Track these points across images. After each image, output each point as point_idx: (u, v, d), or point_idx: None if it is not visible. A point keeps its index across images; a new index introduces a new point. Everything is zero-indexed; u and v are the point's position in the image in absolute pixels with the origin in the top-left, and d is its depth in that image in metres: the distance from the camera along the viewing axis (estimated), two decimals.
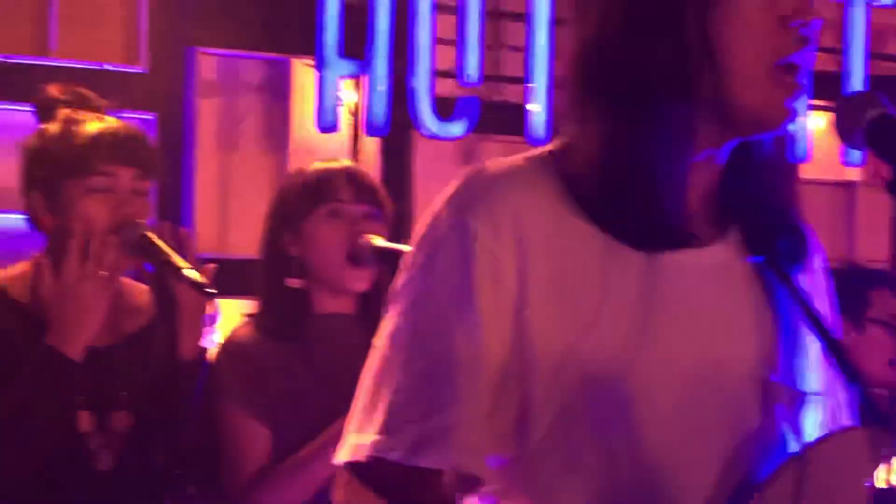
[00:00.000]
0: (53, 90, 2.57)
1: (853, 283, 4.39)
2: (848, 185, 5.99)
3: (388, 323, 1.48)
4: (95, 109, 2.54)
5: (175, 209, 5.33)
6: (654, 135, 1.44)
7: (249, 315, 2.88)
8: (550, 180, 1.45)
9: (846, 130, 1.42)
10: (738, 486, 1.45)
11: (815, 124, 5.50)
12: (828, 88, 5.40)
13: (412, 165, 5.72)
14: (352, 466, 1.47)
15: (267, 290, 2.76)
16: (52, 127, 2.49)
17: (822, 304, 1.60)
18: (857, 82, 5.89)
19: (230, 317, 3.23)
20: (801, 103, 1.46)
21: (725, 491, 1.44)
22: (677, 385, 1.44)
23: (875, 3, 5.83)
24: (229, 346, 2.76)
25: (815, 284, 1.57)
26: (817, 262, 1.60)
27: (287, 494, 2.69)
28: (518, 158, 1.50)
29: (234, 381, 2.68)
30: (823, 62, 5.94)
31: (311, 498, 2.63)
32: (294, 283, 2.75)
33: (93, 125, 2.48)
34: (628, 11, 1.44)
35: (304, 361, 2.72)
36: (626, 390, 1.44)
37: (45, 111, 2.54)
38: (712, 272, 1.50)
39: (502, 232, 1.43)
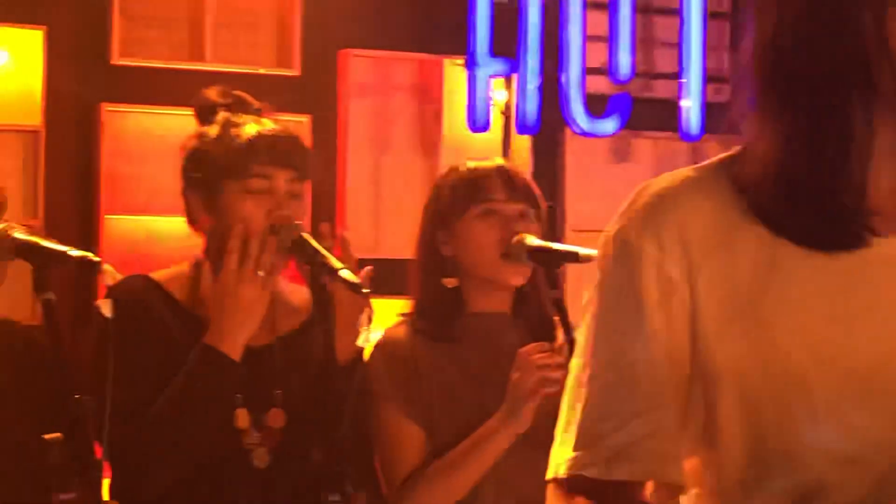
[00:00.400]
0: (212, 94, 2.62)
1: None
2: None
3: (578, 342, 1.54)
4: (253, 112, 2.59)
5: (329, 210, 5.38)
6: (835, 132, 1.42)
7: (404, 315, 2.85)
8: (721, 188, 1.47)
9: None
10: None
11: None
12: None
13: (564, 163, 5.70)
14: (557, 482, 1.50)
15: (421, 289, 2.79)
16: (212, 129, 2.54)
17: None
18: None
19: (384, 317, 3.04)
20: None
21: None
22: (872, 375, 1.43)
23: None
24: (384, 347, 2.78)
25: None
26: None
27: (440, 494, 2.71)
28: (688, 169, 1.53)
29: (388, 382, 2.72)
30: None
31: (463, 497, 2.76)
32: (449, 282, 2.78)
33: (251, 128, 2.53)
34: (808, 11, 1.43)
35: (458, 361, 2.75)
36: (822, 382, 1.41)
37: (204, 115, 2.59)
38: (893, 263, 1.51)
39: (667, 247, 1.45)
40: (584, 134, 5.35)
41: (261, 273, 2.51)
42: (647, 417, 1.45)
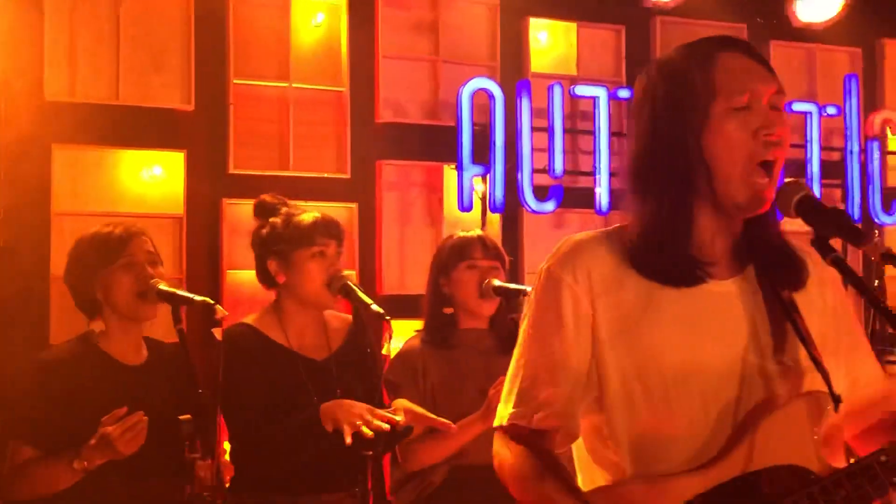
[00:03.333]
0: (267, 197, 3.08)
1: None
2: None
3: (519, 339, 1.92)
4: (294, 206, 3.03)
5: (372, 263, 6.11)
6: (674, 213, 1.83)
7: (417, 331, 3.52)
8: (615, 244, 1.86)
9: (783, 206, 1.75)
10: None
11: None
12: (795, 171, 6.82)
13: (522, 231, 6.39)
14: (499, 430, 1.86)
15: (429, 315, 3.48)
16: (278, 219, 3.01)
17: (816, 303, 1.86)
18: (815, 165, 6.60)
19: (407, 331, 3.56)
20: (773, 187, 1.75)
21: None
22: (707, 371, 1.82)
23: (825, 114, 6.64)
24: (402, 353, 3.44)
25: (808, 292, 1.83)
26: (812, 278, 1.86)
27: (431, 452, 3.22)
28: (596, 231, 1.93)
29: (404, 376, 3.34)
30: (793, 153, 6.41)
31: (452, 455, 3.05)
32: (447, 310, 3.46)
33: (308, 215, 3.02)
34: (653, 136, 1.86)
35: (453, 361, 3.34)
36: (672, 378, 1.82)
37: (261, 211, 3.06)
38: (734, 297, 1.86)
39: (580, 279, 1.84)
40: (534, 212, 6.06)
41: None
42: (560, 389, 1.82)
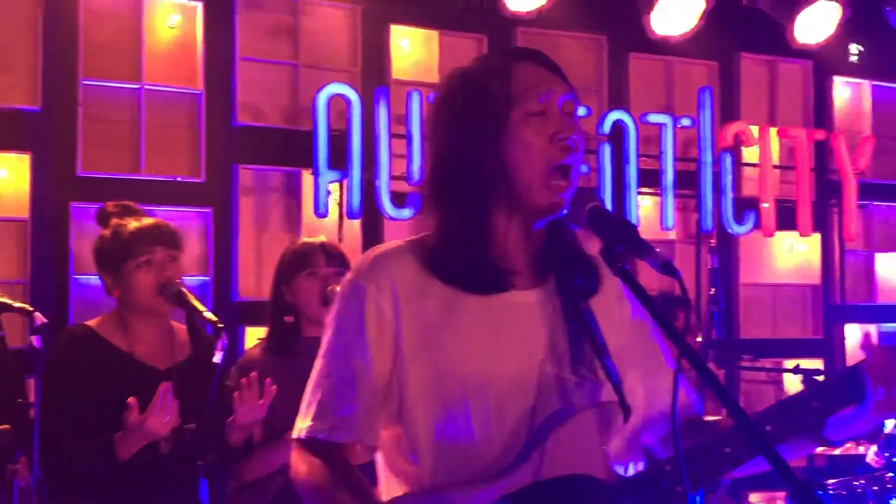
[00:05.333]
0: (109, 207, 3.07)
1: (667, 305, 6.10)
2: (668, 242, 6.84)
3: (321, 350, 1.92)
4: (137, 213, 3.03)
5: (227, 269, 6.13)
6: (474, 221, 1.86)
7: (260, 339, 3.53)
8: (419, 254, 1.87)
9: (575, 216, 1.82)
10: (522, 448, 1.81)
11: (642, 203, 6.58)
12: (651, 181, 7.34)
13: (382, 237, 6.33)
14: (297, 442, 1.88)
15: (271, 322, 3.49)
16: (107, 231, 3.03)
17: (615, 315, 1.90)
18: (669, 176, 6.75)
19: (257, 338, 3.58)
20: (569, 192, 1.82)
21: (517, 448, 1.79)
22: (504, 380, 1.85)
23: (680, 125, 6.84)
24: (243, 361, 3.46)
25: (607, 304, 1.88)
26: (611, 290, 1.90)
27: (274, 461, 3.20)
28: (401, 240, 1.94)
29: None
30: (649, 163, 6.73)
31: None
32: (288, 318, 3.46)
33: (133, 224, 3.01)
34: (452, 144, 1.89)
35: (294, 369, 3.12)
36: (469, 387, 1.85)
37: (103, 220, 3.09)
38: (534, 307, 1.90)
39: (383, 289, 1.85)
40: (391, 218, 6.11)
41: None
42: (361, 401, 1.84)
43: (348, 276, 1.88)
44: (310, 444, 1.85)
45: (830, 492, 4.60)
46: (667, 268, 1.68)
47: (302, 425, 1.86)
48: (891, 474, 4.63)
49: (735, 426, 1.80)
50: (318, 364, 1.88)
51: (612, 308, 1.88)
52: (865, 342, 1.87)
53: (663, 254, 1.70)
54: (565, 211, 1.84)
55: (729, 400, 1.60)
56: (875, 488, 4.58)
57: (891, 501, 4.57)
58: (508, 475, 1.77)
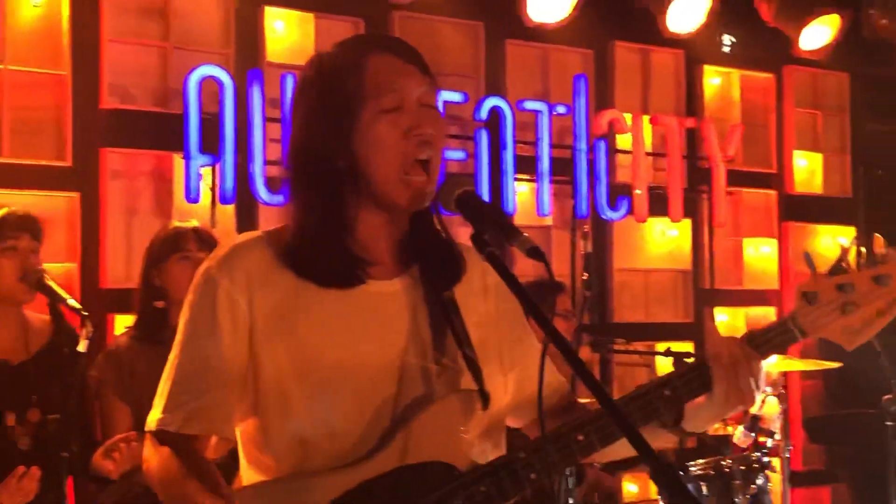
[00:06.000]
0: None
1: (543, 290, 6.24)
2: (544, 228, 6.99)
3: (175, 342, 1.93)
4: None
5: (94, 256, 5.98)
6: (329, 210, 1.85)
7: (128, 326, 3.55)
8: (275, 246, 1.88)
9: (445, 199, 1.83)
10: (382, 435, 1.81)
11: (519, 190, 6.72)
12: (527, 167, 7.44)
13: (258, 223, 6.25)
14: (149, 435, 1.90)
15: (140, 309, 3.51)
16: None
17: (479, 304, 1.92)
18: (545, 162, 6.82)
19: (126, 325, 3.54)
20: (432, 183, 1.84)
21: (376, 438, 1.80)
22: (361, 370, 1.84)
23: (555, 112, 6.92)
24: (109, 349, 3.45)
25: (472, 293, 1.94)
26: (477, 280, 1.96)
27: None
28: (259, 232, 1.96)
29: (109, 373, 3.34)
30: (525, 150, 6.81)
31: None
32: (158, 304, 3.48)
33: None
34: (307, 134, 1.89)
35: (162, 356, 2.87)
36: (325, 377, 1.84)
37: None
38: (395, 296, 1.92)
39: (237, 281, 1.86)
40: (266, 203, 6.02)
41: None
42: (213, 393, 1.85)
43: (202, 266, 1.89)
44: (161, 436, 1.86)
45: (699, 471, 4.72)
46: (534, 252, 1.71)
47: (153, 417, 1.88)
48: (757, 454, 4.79)
49: (595, 412, 1.84)
50: (172, 355, 1.89)
51: (477, 297, 1.91)
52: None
53: (531, 239, 1.72)
54: (427, 204, 1.86)
55: (595, 385, 1.62)
56: (742, 468, 4.73)
57: (758, 481, 4.74)
58: (368, 462, 1.79)
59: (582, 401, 2.16)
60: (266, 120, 6.07)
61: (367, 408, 1.84)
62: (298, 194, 1.89)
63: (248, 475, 1.91)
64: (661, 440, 1.92)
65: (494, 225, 1.73)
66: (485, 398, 1.85)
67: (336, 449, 1.82)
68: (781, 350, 1.91)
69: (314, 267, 1.84)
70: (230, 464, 2.19)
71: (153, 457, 1.86)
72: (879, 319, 1.89)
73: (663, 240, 7.64)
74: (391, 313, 1.89)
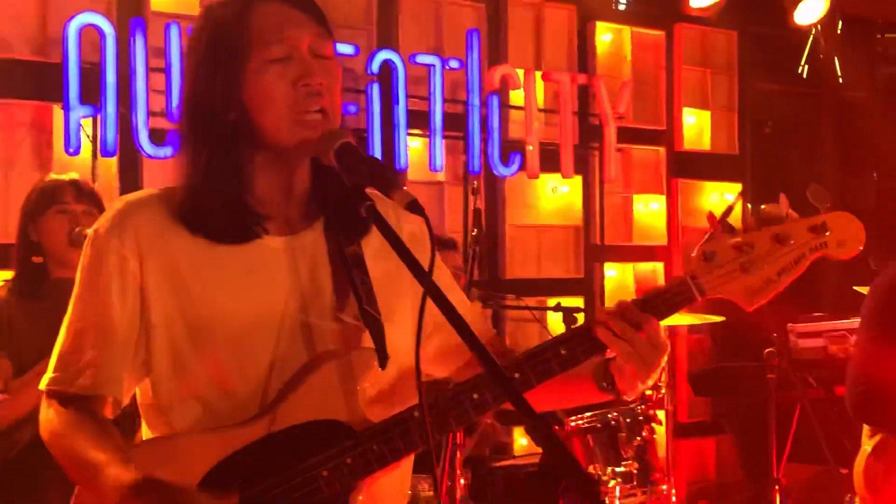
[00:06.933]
0: None
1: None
2: (437, 184, 6.98)
3: (70, 302, 1.91)
4: None
5: None
6: (221, 164, 1.84)
7: (6, 280, 3.53)
8: (168, 203, 1.87)
9: (323, 152, 1.81)
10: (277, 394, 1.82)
11: (412, 145, 6.66)
12: (419, 123, 7.40)
13: (142, 179, 6.21)
14: (44, 393, 1.90)
15: (18, 263, 3.50)
16: None
17: (389, 260, 1.83)
18: (437, 118, 6.82)
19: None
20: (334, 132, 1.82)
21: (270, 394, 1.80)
22: (255, 328, 1.82)
23: (448, 67, 6.88)
24: None
25: (382, 248, 1.87)
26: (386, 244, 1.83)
27: (19, 407, 3.22)
28: (153, 189, 1.94)
29: None
30: (418, 104, 6.76)
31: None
32: (36, 259, 3.47)
33: None
34: (198, 86, 1.88)
35: (42, 312, 3.31)
36: (217, 334, 1.82)
37: None
38: (293, 252, 1.90)
39: (127, 240, 1.85)
40: (150, 156, 5.95)
41: None
42: (103, 353, 1.85)
43: (94, 226, 1.89)
44: (55, 395, 1.86)
45: (586, 425, 4.83)
46: (413, 207, 1.71)
47: (46, 377, 1.88)
48: (642, 407, 4.91)
49: (482, 373, 1.83)
50: (66, 317, 1.89)
51: (386, 253, 1.85)
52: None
53: (410, 192, 1.72)
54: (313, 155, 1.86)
55: (476, 344, 1.63)
56: (628, 420, 4.84)
57: (643, 433, 4.84)
58: (260, 420, 1.80)
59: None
60: (149, 70, 5.96)
61: (262, 368, 1.84)
62: (189, 148, 1.88)
63: (146, 435, 1.94)
64: (600, 398, 1.97)
65: (373, 178, 1.73)
66: (382, 357, 1.85)
67: (232, 408, 1.83)
68: (678, 309, 1.91)
69: (206, 223, 1.84)
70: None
71: (47, 416, 1.87)
72: (782, 278, 1.90)
73: (555, 196, 7.70)
74: (287, 269, 1.88)
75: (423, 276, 1.67)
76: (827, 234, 1.87)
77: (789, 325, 6.00)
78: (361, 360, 1.86)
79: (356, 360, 1.86)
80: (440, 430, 1.84)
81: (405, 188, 1.70)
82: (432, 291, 1.66)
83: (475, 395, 1.84)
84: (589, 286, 7.78)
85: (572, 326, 2.14)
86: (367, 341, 1.87)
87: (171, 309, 1.83)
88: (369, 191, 1.76)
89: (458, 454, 4.29)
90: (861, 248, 1.89)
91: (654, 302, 1.88)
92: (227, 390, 1.82)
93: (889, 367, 3.23)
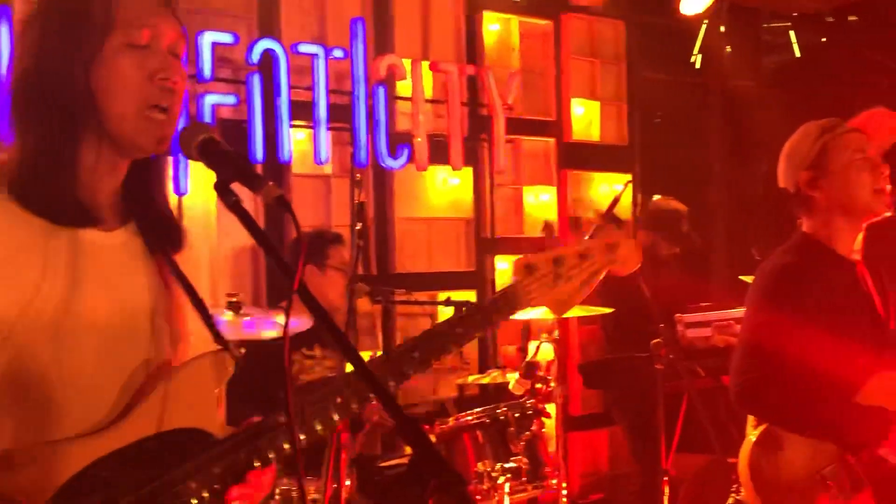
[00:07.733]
0: None
1: (318, 242, 6.17)
2: (323, 177, 6.90)
3: None
4: None
5: None
6: (56, 152, 1.78)
7: None
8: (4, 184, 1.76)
9: (186, 146, 1.77)
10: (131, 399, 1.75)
11: (296, 137, 6.55)
12: (304, 114, 7.28)
13: None
14: None
15: None
16: None
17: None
18: (322, 109, 6.69)
19: None
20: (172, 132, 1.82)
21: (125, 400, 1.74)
22: (98, 328, 1.77)
23: (332, 57, 6.74)
24: None
25: (188, 256, 1.87)
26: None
27: None
28: None
29: None
30: (302, 95, 6.62)
31: None
32: None
33: None
34: (40, 59, 1.79)
35: None
36: (53, 334, 1.74)
37: None
38: (118, 249, 1.86)
39: None
40: None
41: None
42: None
43: None
44: None
45: (475, 420, 4.80)
46: (280, 202, 1.68)
47: None
48: (532, 401, 4.90)
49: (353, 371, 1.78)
50: None
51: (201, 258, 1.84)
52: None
53: (276, 187, 1.69)
54: (164, 148, 1.84)
55: (343, 342, 1.63)
56: (517, 415, 4.83)
57: (532, 427, 4.85)
58: (115, 429, 1.73)
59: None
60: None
61: (106, 371, 1.79)
62: (25, 127, 1.82)
63: None
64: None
65: (238, 173, 1.69)
66: (237, 358, 1.85)
67: (77, 414, 1.75)
68: (508, 316, 2.14)
69: (45, 210, 1.78)
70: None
71: None
72: (582, 290, 2.22)
73: (445, 188, 7.65)
74: (119, 268, 1.85)
75: (288, 273, 1.66)
76: (617, 252, 2.22)
77: (677, 315, 6.05)
78: (219, 363, 1.86)
79: (214, 364, 1.85)
80: (308, 435, 1.84)
81: (271, 183, 1.68)
82: (301, 293, 1.67)
83: (338, 399, 1.86)
84: (481, 279, 7.77)
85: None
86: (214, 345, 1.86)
87: (10, 308, 1.76)
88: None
89: (344, 454, 4.15)
90: (637, 266, 2.25)
91: (488, 310, 2.16)
92: (71, 396, 1.77)
93: (774, 353, 3.29)
